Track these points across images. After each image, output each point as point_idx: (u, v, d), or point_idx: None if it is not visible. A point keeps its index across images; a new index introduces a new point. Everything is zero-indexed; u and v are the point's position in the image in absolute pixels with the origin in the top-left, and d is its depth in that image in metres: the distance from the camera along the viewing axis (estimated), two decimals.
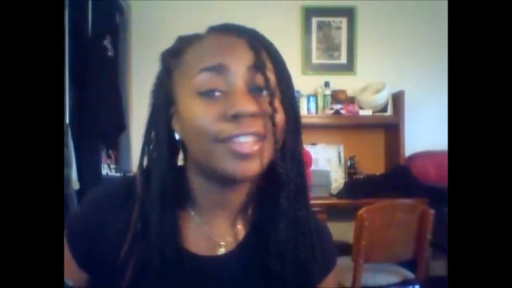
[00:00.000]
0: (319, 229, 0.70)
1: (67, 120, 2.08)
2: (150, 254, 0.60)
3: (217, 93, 0.57)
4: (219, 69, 0.57)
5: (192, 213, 0.65)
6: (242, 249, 0.65)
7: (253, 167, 0.56)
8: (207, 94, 0.57)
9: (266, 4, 2.93)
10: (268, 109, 0.57)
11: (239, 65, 0.57)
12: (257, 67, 0.57)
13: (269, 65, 0.59)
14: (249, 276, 0.63)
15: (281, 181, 0.60)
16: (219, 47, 0.58)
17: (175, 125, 0.62)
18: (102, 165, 2.38)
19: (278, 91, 0.59)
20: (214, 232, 0.65)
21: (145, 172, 0.63)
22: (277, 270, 0.62)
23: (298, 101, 0.65)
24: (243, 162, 0.56)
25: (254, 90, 0.58)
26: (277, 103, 0.58)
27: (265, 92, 0.58)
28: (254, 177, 0.58)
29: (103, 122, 2.29)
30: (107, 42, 2.37)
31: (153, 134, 0.64)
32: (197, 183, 0.63)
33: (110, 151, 2.51)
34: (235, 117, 0.55)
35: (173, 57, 0.63)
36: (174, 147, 0.64)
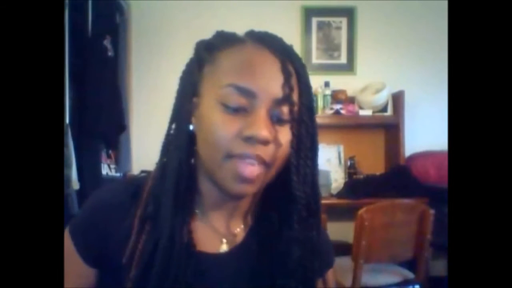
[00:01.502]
0: (321, 235, 0.71)
1: (67, 120, 2.08)
2: (156, 247, 0.60)
3: (239, 110, 0.58)
4: (248, 94, 0.58)
5: (197, 211, 0.66)
6: (244, 248, 0.66)
7: (250, 189, 0.60)
8: (229, 107, 0.58)
9: (266, 4, 2.93)
10: (283, 139, 0.59)
11: (268, 95, 0.58)
12: (285, 100, 0.59)
13: (296, 97, 0.60)
14: (250, 274, 0.64)
15: (296, 204, 0.63)
16: (253, 67, 0.59)
17: (193, 117, 0.63)
18: (102, 165, 2.38)
19: (298, 119, 0.61)
20: (217, 230, 0.66)
21: (162, 163, 0.64)
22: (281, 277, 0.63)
23: (316, 124, 0.67)
24: (243, 185, 0.58)
25: (276, 117, 0.59)
26: (294, 133, 0.60)
27: (285, 121, 0.60)
28: (250, 195, 0.63)
29: (103, 122, 2.28)
30: (107, 42, 2.37)
31: (174, 124, 0.64)
32: (204, 185, 0.65)
33: (110, 151, 2.51)
34: (249, 140, 0.56)
35: (208, 51, 0.63)
36: (191, 139, 0.63)
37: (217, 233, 0.66)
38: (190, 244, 0.62)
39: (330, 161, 2.88)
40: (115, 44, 2.53)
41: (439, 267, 2.73)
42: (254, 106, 0.58)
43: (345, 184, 2.68)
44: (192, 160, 0.64)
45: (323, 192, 2.59)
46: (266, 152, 0.58)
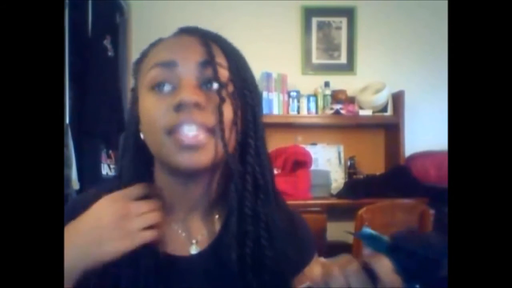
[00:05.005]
0: (295, 223, 0.70)
1: (67, 120, 2.08)
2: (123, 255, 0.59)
3: (167, 87, 0.59)
4: (170, 64, 0.59)
5: (163, 213, 0.64)
6: (214, 247, 0.64)
7: (201, 159, 0.57)
8: (158, 87, 0.59)
9: (266, 4, 2.92)
10: (216, 100, 0.58)
11: (189, 61, 0.59)
12: (207, 62, 0.59)
13: (222, 61, 0.61)
14: (222, 274, 0.62)
15: (234, 175, 0.61)
16: (173, 46, 0.62)
17: (139, 124, 0.64)
18: (102, 165, 2.38)
19: (232, 85, 0.61)
20: (186, 232, 0.65)
21: (120, 164, 0.68)
22: (235, 271, 0.60)
23: (258, 97, 0.66)
24: (190, 153, 0.57)
25: (205, 84, 0.59)
26: (227, 95, 0.60)
27: (216, 85, 0.59)
28: (204, 168, 0.59)
29: (103, 122, 2.28)
30: (107, 42, 2.37)
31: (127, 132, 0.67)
32: (161, 179, 0.64)
33: (110, 151, 2.51)
34: (179, 107, 0.56)
35: (139, 61, 0.67)
36: (142, 146, 0.64)
37: (187, 235, 0.64)
38: (157, 249, 0.60)
39: (330, 161, 2.88)
40: (115, 44, 2.53)
41: None
42: (179, 77, 0.58)
43: (345, 184, 2.68)
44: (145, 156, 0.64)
45: (323, 192, 2.59)
46: (205, 116, 0.57)
